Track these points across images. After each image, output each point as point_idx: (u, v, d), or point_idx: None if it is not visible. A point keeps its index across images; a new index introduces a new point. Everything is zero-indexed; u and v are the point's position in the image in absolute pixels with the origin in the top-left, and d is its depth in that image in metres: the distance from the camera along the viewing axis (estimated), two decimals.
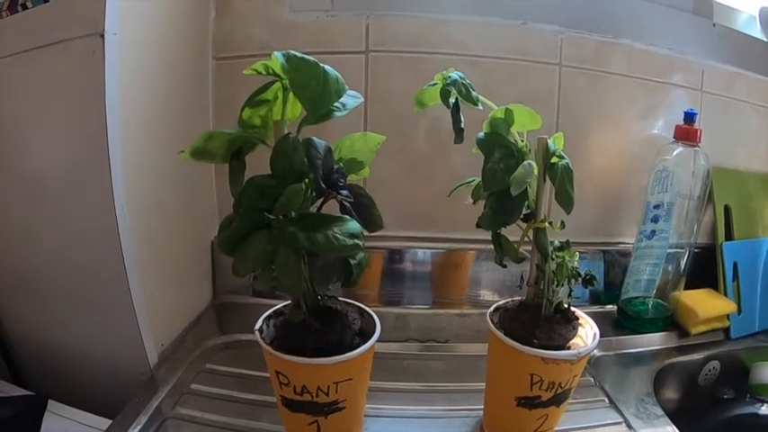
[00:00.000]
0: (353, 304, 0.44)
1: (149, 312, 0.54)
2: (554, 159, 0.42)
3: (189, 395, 0.52)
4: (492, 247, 0.67)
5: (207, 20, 0.66)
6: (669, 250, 0.67)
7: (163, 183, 0.58)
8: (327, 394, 0.39)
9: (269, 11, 0.65)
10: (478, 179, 0.44)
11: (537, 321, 0.43)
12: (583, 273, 0.44)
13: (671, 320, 0.68)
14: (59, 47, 0.49)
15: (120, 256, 0.51)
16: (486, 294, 0.71)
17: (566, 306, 0.45)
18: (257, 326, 0.42)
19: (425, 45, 0.66)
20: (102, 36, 0.47)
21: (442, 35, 0.66)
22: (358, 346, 0.39)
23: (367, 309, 0.44)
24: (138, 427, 0.46)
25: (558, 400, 0.43)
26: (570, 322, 0.44)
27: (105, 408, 0.52)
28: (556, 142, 0.43)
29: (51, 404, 0.53)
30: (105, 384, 0.56)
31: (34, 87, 0.52)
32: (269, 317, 0.43)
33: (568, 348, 0.43)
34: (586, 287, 0.45)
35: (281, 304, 0.44)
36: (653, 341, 0.66)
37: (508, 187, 0.39)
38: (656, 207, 0.66)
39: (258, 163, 0.37)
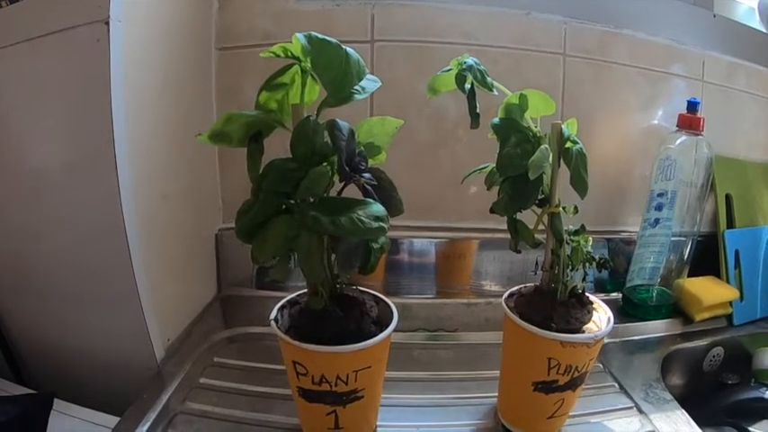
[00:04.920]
0: (368, 292, 0.44)
1: (155, 307, 0.53)
2: (568, 144, 0.42)
3: (198, 389, 0.51)
4: (497, 236, 0.69)
5: (210, 9, 0.65)
6: (673, 238, 0.68)
7: (168, 174, 0.57)
8: (346, 383, 0.39)
9: (273, 0, 0.64)
10: (492, 165, 0.44)
11: (553, 306, 0.43)
12: (597, 257, 0.44)
13: (675, 308, 0.69)
14: (62, 35, 0.48)
15: (126, 250, 0.50)
16: (491, 284, 0.72)
17: (580, 290, 0.45)
18: (272, 315, 0.41)
19: (431, 34, 0.65)
20: (107, 23, 0.46)
21: (447, 25, 0.66)
22: (375, 334, 0.39)
23: (382, 297, 0.44)
24: (148, 424, 0.45)
25: (574, 384, 0.43)
26: (585, 306, 0.45)
27: (112, 405, 0.51)
28: (570, 127, 0.43)
29: (57, 403, 0.52)
30: (111, 381, 0.55)
31: (36, 78, 0.51)
32: (283, 306, 0.43)
33: (583, 332, 0.43)
34: (600, 271, 0.45)
35: (292, 294, 0.44)
36: (658, 328, 0.66)
37: (524, 172, 0.39)
38: (660, 195, 0.67)
39: (270, 147, 0.37)
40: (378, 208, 0.32)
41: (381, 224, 0.31)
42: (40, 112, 0.51)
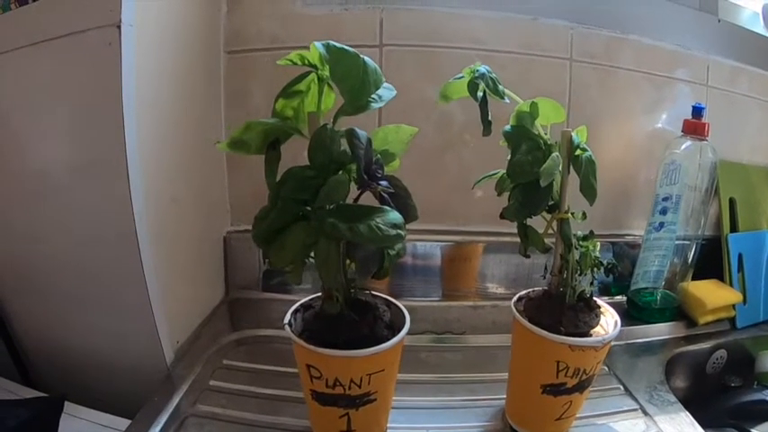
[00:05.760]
0: (380, 296, 0.44)
1: (165, 309, 0.54)
2: (578, 152, 0.43)
3: (208, 392, 0.51)
4: (502, 239, 0.70)
5: (218, 13, 0.65)
6: (677, 242, 0.69)
7: (177, 178, 0.58)
8: (360, 386, 0.39)
9: (281, 4, 0.65)
10: (502, 171, 0.45)
11: (562, 310, 0.44)
12: (605, 262, 0.45)
13: (679, 311, 0.69)
14: (73, 38, 0.48)
15: (137, 254, 0.50)
16: (497, 287, 0.72)
17: (588, 295, 0.46)
18: (286, 320, 0.41)
19: (439, 39, 0.66)
20: (119, 27, 0.46)
21: (455, 30, 0.66)
22: (388, 337, 0.39)
23: (394, 301, 0.44)
24: (159, 426, 0.46)
25: (582, 386, 0.44)
26: (593, 310, 0.45)
27: (122, 408, 0.51)
28: (579, 135, 0.44)
29: (67, 405, 0.52)
30: (121, 384, 0.55)
31: (47, 81, 0.51)
32: (296, 310, 0.43)
33: (591, 336, 0.44)
34: (608, 276, 0.45)
35: (304, 298, 0.44)
36: (662, 331, 0.67)
37: (535, 179, 0.40)
38: (665, 199, 0.67)
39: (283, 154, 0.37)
40: (395, 215, 0.32)
41: (399, 231, 0.31)
42: (51, 116, 0.52)
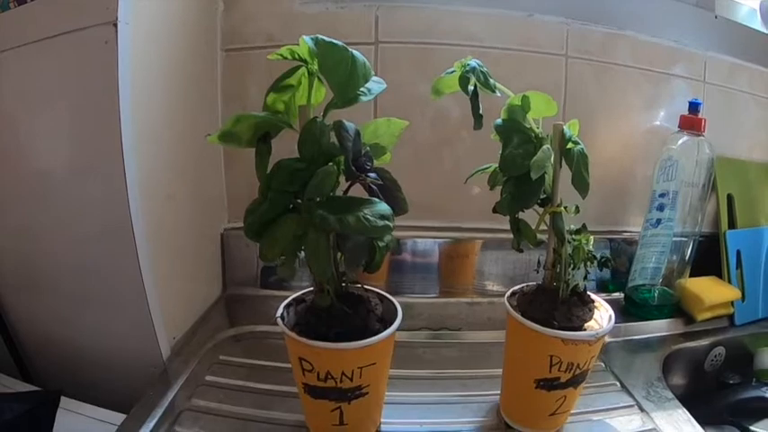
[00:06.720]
0: (372, 290, 0.45)
1: (161, 305, 0.54)
2: (570, 145, 0.43)
3: (204, 387, 0.52)
4: (499, 236, 0.70)
5: (215, 12, 0.66)
6: (674, 239, 0.68)
7: (173, 175, 0.58)
8: (351, 379, 0.39)
9: (278, 3, 0.65)
10: (494, 165, 0.45)
11: (555, 304, 0.44)
12: (598, 256, 0.45)
13: (677, 307, 0.69)
14: (70, 37, 0.49)
15: (133, 250, 0.51)
16: (494, 283, 0.72)
17: (581, 289, 0.46)
18: (278, 313, 0.42)
19: (434, 36, 0.66)
20: (116, 25, 0.46)
21: (450, 26, 0.66)
22: (380, 330, 0.39)
23: (386, 294, 0.45)
24: (154, 421, 0.46)
25: (575, 381, 0.44)
26: (586, 304, 0.45)
27: (118, 402, 0.51)
28: (571, 128, 0.44)
29: (63, 400, 0.53)
30: (117, 379, 0.55)
31: (45, 79, 0.51)
32: (289, 304, 0.43)
33: (585, 330, 0.44)
34: (602, 269, 0.45)
35: (298, 293, 0.45)
36: (660, 327, 0.67)
37: (527, 172, 0.40)
38: (662, 196, 0.67)
39: (275, 148, 0.37)
40: (383, 207, 0.33)
41: (387, 222, 0.32)
42: (48, 114, 0.52)
